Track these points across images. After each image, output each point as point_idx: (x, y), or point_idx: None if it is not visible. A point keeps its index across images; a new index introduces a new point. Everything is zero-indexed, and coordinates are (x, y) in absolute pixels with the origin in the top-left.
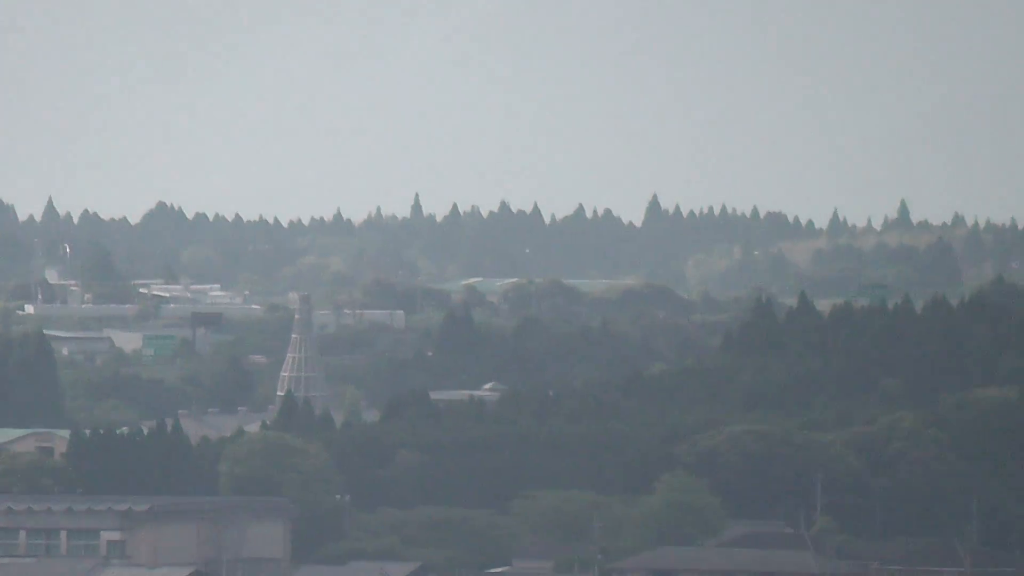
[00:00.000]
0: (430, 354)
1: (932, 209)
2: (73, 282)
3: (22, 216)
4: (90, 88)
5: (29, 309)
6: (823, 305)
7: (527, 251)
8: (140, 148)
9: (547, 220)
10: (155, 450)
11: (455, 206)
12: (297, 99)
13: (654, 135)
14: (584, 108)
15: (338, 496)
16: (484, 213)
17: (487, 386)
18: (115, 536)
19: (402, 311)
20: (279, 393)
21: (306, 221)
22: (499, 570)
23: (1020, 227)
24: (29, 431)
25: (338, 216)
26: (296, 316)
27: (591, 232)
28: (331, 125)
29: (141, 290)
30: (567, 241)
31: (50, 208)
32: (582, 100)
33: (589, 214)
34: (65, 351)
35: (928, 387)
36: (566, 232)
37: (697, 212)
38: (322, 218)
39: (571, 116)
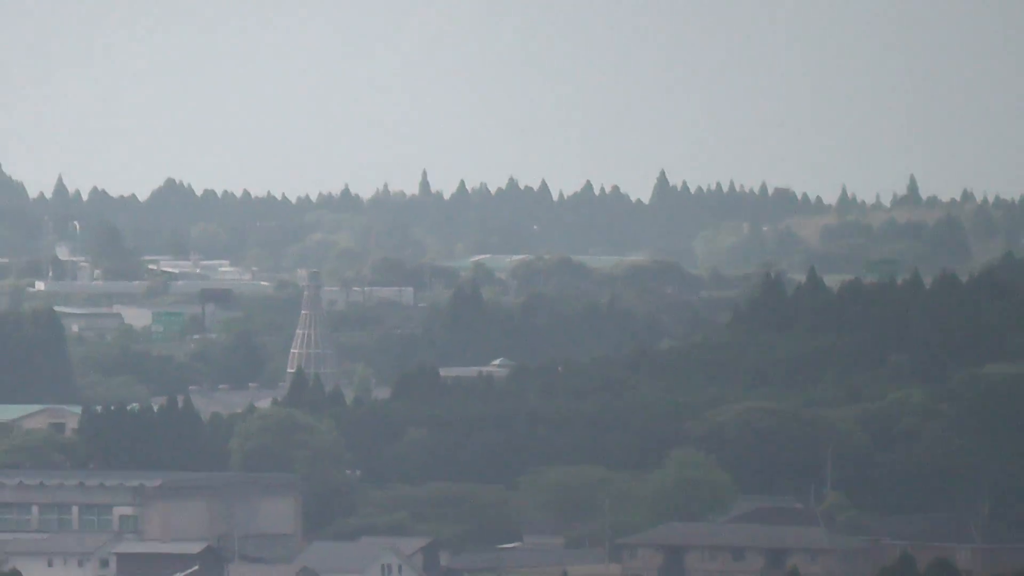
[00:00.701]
0: (438, 331)
1: (941, 185)
2: (83, 259)
3: (32, 193)
4: (99, 66)
5: (40, 285)
6: (832, 281)
7: (535, 228)
8: (149, 125)
9: (555, 197)
10: (166, 426)
11: (463, 183)
12: (306, 76)
13: (662, 112)
14: (592, 85)
15: (348, 472)
16: (492, 190)
17: (495, 362)
18: (128, 511)
19: (411, 288)
20: (289, 370)
21: (314, 197)
22: (509, 545)
23: None
24: (41, 407)
25: (346, 192)
26: (305, 293)
27: (599, 209)
28: (339, 102)
29: (150, 266)
30: (575, 218)
31: (60, 185)
32: (590, 77)
33: (597, 191)
34: (75, 328)
35: (938, 363)
36: (574, 209)
37: (705, 188)
38: (330, 194)
39: (579, 93)
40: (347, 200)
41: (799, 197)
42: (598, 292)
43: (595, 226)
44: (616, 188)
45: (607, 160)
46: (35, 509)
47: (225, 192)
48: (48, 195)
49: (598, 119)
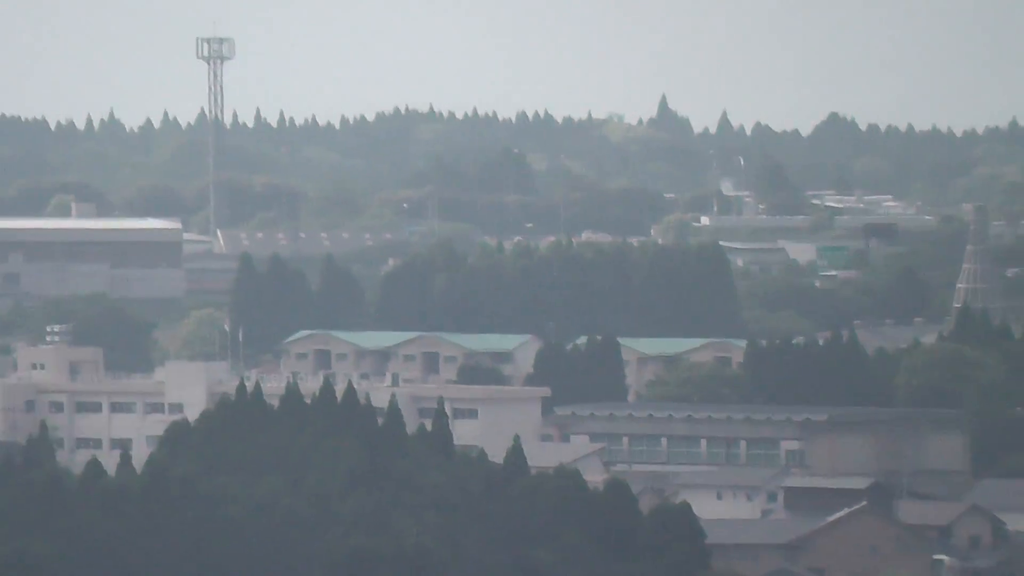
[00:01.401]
0: None
1: None
2: (747, 193)
3: (697, 129)
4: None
5: (704, 220)
6: None
7: None
8: (812, 60)
9: None
10: (831, 361)
11: None
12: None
13: None
14: None
15: (1019, 408)
16: None
17: None
18: (794, 445)
19: None
20: (955, 304)
21: (980, 131)
22: None
23: None
24: (707, 341)
25: (1014, 125)
26: (971, 227)
27: None
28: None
29: (814, 201)
30: None
31: (724, 121)
32: None
33: None
34: (740, 262)
35: None
36: None
37: None
38: (997, 127)
39: None
40: (1015, 133)
41: None
42: None
43: None
44: None
45: None
46: (703, 443)
47: (889, 127)
48: (712, 130)
49: None
